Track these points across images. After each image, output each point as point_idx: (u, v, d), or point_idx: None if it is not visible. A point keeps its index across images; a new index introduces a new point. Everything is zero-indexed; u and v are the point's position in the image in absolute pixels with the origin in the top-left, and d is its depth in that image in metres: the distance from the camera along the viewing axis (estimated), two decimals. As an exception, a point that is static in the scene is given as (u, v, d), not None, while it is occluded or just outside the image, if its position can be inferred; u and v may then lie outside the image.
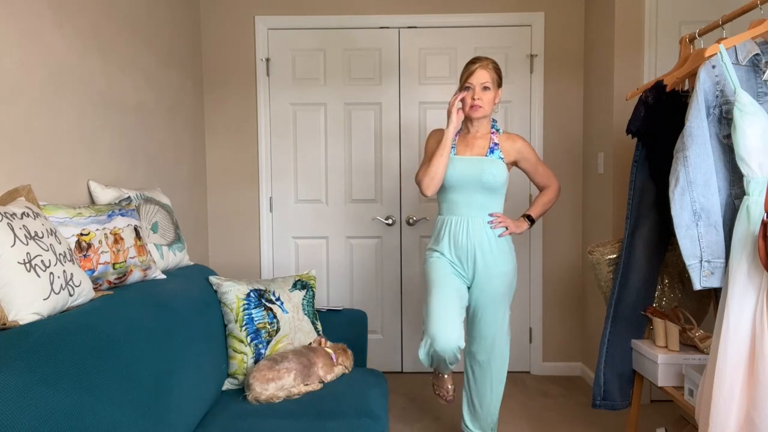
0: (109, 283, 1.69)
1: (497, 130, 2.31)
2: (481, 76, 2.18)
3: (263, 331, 2.11)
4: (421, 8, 3.36)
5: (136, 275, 1.80)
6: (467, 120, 2.29)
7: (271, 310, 2.16)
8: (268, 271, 3.47)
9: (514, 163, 2.33)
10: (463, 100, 2.21)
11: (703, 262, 1.78)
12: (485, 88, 2.18)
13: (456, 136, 2.32)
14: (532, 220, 2.36)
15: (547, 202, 2.39)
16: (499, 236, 2.24)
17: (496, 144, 2.26)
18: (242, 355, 2.06)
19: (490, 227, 2.24)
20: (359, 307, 3.48)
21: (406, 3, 3.36)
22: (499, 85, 2.25)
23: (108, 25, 2.21)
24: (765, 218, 1.52)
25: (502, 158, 2.24)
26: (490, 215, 2.24)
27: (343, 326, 2.42)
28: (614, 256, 2.33)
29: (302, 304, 2.28)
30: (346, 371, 2.18)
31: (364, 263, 3.48)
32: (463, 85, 2.22)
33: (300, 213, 3.47)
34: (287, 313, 2.20)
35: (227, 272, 3.44)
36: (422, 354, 2.19)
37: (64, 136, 1.89)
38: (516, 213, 2.59)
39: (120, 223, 1.77)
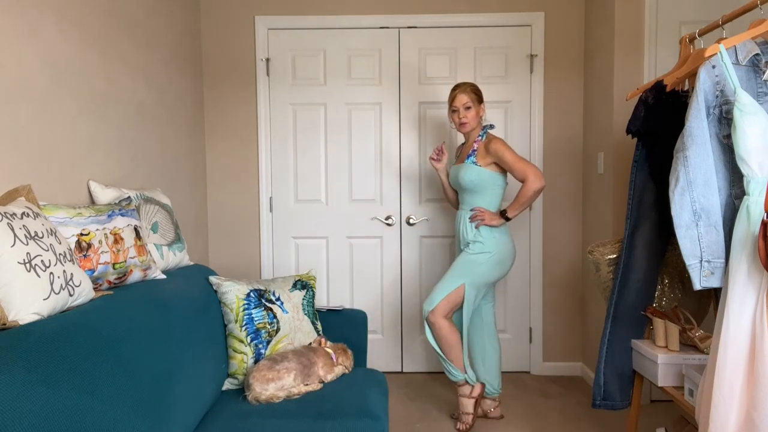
0: (109, 283, 1.69)
1: (481, 137, 2.67)
2: (462, 99, 2.64)
3: (263, 331, 2.11)
4: (421, 8, 3.36)
5: (136, 275, 1.80)
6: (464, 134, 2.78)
7: (271, 310, 2.16)
8: (268, 271, 3.47)
9: (497, 164, 2.62)
10: (453, 122, 2.73)
11: (703, 262, 1.78)
12: (467, 108, 2.63)
13: (460, 149, 2.87)
14: (506, 216, 2.59)
15: (521, 196, 2.53)
16: (476, 227, 2.63)
17: (474, 150, 2.66)
18: (242, 355, 2.06)
19: (469, 219, 2.66)
20: (359, 307, 3.48)
21: (406, 3, 3.36)
22: (480, 101, 2.68)
23: (108, 25, 2.21)
24: (765, 218, 1.52)
25: (475, 162, 2.63)
26: (472, 210, 2.65)
27: (343, 326, 2.42)
28: (614, 256, 2.33)
29: (302, 304, 2.28)
30: (346, 371, 2.18)
31: (364, 263, 3.48)
32: (450, 108, 2.69)
33: (300, 213, 3.47)
34: (287, 313, 2.20)
35: (227, 272, 3.44)
36: None
37: (64, 136, 1.89)
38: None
39: (120, 223, 1.77)
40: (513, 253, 2.67)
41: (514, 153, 2.56)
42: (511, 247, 2.66)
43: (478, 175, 2.61)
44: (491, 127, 2.72)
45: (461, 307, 2.66)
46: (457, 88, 2.66)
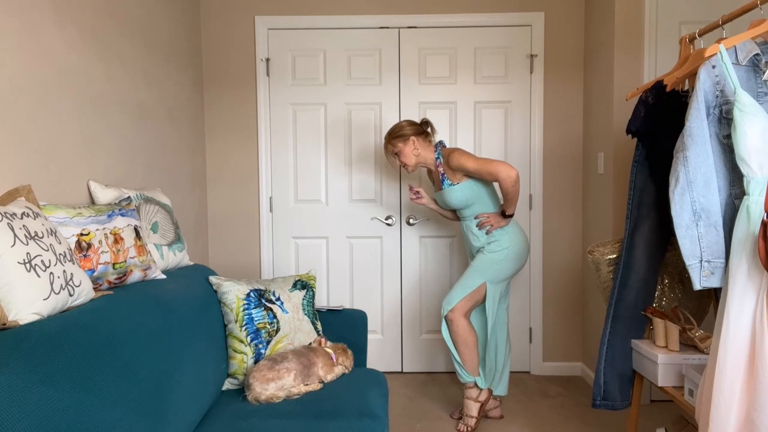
0: (109, 283, 1.69)
1: (439, 159, 2.68)
2: (388, 151, 2.73)
3: (263, 331, 2.11)
4: (421, 8, 3.36)
5: (136, 275, 1.80)
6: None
7: (271, 310, 2.16)
8: (268, 271, 3.47)
9: (467, 175, 2.63)
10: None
11: (703, 262, 1.78)
12: (396, 154, 2.70)
13: (431, 175, 2.85)
14: (507, 215, 2.63)
15: (505, 194, 2.54)
16: (486, 233, 2.66)
17: (443, 174, 2.67)
18: (242, 355, 2.06)
19: (477, 227, 2.69)
20: (359, 307, 3.48)
21: (406, 3, 3.36)
22: (408, 137, 2.67)
23: (108, 25, 2.21)
24: (765, 218, 1.52)
25: (451, 183, 2.65)
26: (476, 218, 2.69)
27: (343, 326, 2.42)
28: (614, 256, 2.33)
29: (302, 304, 2.28)
30: (346, 371, 2.18)
31: (364, 263, 3.48)
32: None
33: (300, 213, 3.47)
34: (287, 313, 2.20)
35: (227, 272, 3.44)
36: None
37: (64, 136, 1.89)
38: (517, 212, 2.76)
39: (120, 223, 1.77)
40: (528, 244, 2.72)
41: (474, 158, 2.57)
42: (525, 239, 2.70)
43: (462, 192, 2.63)
44: (441, 143, 2.73)
45: (480, 306, 2.68)
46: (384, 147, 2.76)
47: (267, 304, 2.16)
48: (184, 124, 3.05)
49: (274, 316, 2.16)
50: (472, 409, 2.66)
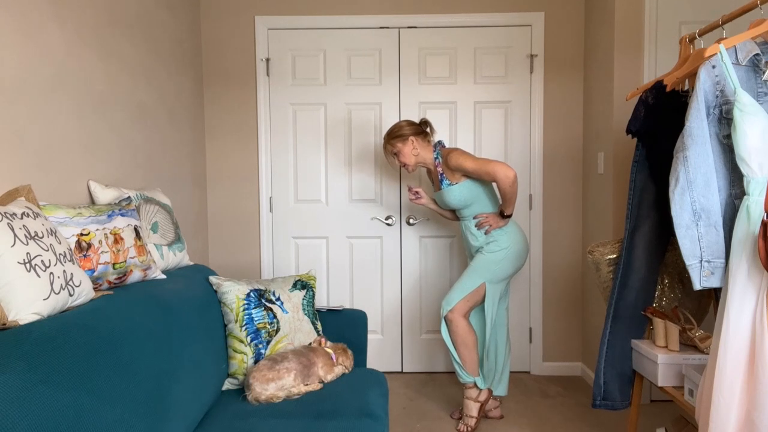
0: (109, 283, 1.69)
1: (438, 159, 2.69)
2: (388, 151, 2.73)
3: (263, 331, 2.11)
4: (421, 8, 3.36)
5: (136, 275, 1.80)
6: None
7: (271, 310, 2.16)
8: (268, 271, 3.47)
9: (465, 175, 2.64)
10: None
11: (703, 262, 1.78)
12: (395, 154, 2.71)
13: (430, 174, 2.84)
14: (505, 215, 2.63)
15: (503, 194, 2.54)
16: (485, 233, 2.67)
17: (441, 174, 2.68)
18: (242, 355, 2.06)
19: (476, 227, 2.70)
20: (359, 307, 3.48)
21: (406, 3, 3.36)
22: (406, 137, 2.67)
23: (108, 25, 2.21)
24: (765, 218, 1.52)
25: (450, 183, 2.65)
26: (474, 218, 2.70)
27: (343, 326, 2.42)
28: (614, 256, 2.33)
29: (302, 304, 2.28)
30: (346, 371, 2.18)
31: (364, 263, 3.48)
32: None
33: (300, 213, 3.47)
34: (287, 313, 2.20)
35: (227, 272, 3.44)
36: None
37: (64, 136, 1.89)
38: (517, 212, 2.71)
39: (120, 223, 1.77)
40: (527, 244, 2.72)
41: (472, 158, 2.57)
42: (524, 239, 2.70)
43: (460, 192, 2.64)
44: (440, 143, 2.73)
45: (479, 306, 2.68)
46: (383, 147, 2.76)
47: (267, 304, 2.16)
48: (184, 124, 3.05)
49: (274, 316, 2.16)
50: (472, 409, 2.66)
